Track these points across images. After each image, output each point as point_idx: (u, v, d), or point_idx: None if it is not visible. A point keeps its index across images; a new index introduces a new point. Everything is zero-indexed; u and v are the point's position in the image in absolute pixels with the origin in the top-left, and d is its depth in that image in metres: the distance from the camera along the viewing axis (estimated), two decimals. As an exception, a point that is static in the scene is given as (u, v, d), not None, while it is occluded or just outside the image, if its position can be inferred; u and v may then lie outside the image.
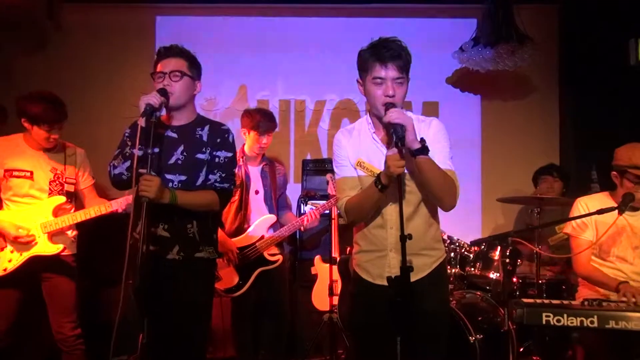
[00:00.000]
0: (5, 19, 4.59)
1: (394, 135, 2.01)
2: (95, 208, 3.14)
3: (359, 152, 2.26)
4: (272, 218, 3.62)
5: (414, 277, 2.12)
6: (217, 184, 2.49)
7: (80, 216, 3.14)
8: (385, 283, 2.12)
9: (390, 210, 2.21)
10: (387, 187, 2.08)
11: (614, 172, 2.90)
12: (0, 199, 3.16)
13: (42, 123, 3.04)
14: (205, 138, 2.51)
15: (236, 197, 3.54)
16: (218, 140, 2.52)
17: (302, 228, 3.70)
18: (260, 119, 3.59)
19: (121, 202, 3.09)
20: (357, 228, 2.34)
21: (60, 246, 3.11)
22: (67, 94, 4.54)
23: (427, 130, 2.21)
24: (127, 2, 4.91)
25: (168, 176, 2.43)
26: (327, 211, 3.88)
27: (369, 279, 2.27)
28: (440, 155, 2.17)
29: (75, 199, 3.29)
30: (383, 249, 2.24)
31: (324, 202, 3.74)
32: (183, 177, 2.45)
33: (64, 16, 4.89)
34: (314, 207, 3.74)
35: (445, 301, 2.46)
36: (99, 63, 4.87)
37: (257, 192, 3.64)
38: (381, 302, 2.12)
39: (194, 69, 2.52)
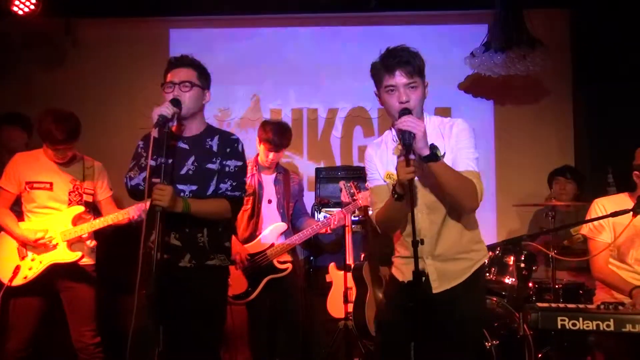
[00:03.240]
0: (24, 35, 4.72)
1: (401, 142, 2.01)
2: (112, 216, 3.20)
3: (387, 164, 2.28)
4: (283, 226, 3.62)
5: (449, 285, 2.17)
6: (228, 193, 2.50)
7: (98, 224, 3.20)
8: None
9: (420, 220, 2.18)
10: (403, 195, 2.06)
11: (636, 172, 2.87)
12: (22, 212, 3.24)
13: (50, 142, 3.12)
14: (215, 148, 2.53)
15: (249, 206, 3.55)
16: (228, 149, 2.53)
17: (328, 229, 3.67)
18: (271, 137, 3.50)
19: (135, 209, 3.12)
20: (396, 236, 2.35)
21: (79, 254, 3.16)
22: (84, 107, 4.66)
23: (451, 130, 2.21)
24: (141, 16, 4.99)
25: (180, 186, 2.46)
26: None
27: (400, 277, 2.29)
28: (462, 156, 2.17)
29: (94, 210, 3.34)
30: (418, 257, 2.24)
31: (339, 209, 3.74)
32: (194, 187, 2.48)
33: (80, 31, 5.01)
34: (335, 211, 3.74)
35: (479, 310, 2.35)
36: (115, 76, 4.98)
37: (270, 202, 3.62)
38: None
39: (204, 78, 2.54)
